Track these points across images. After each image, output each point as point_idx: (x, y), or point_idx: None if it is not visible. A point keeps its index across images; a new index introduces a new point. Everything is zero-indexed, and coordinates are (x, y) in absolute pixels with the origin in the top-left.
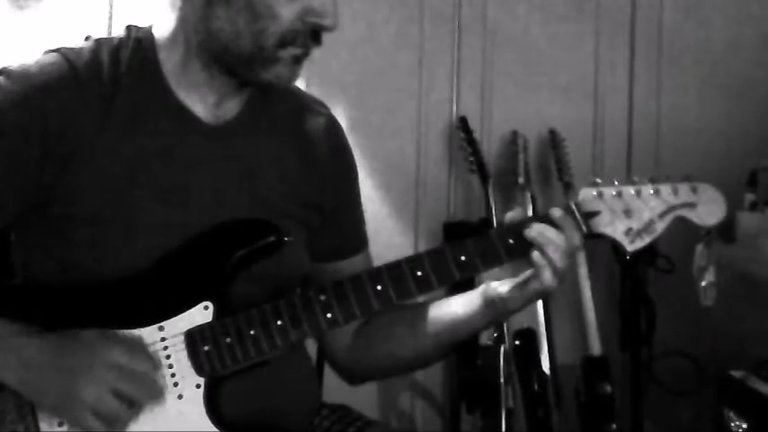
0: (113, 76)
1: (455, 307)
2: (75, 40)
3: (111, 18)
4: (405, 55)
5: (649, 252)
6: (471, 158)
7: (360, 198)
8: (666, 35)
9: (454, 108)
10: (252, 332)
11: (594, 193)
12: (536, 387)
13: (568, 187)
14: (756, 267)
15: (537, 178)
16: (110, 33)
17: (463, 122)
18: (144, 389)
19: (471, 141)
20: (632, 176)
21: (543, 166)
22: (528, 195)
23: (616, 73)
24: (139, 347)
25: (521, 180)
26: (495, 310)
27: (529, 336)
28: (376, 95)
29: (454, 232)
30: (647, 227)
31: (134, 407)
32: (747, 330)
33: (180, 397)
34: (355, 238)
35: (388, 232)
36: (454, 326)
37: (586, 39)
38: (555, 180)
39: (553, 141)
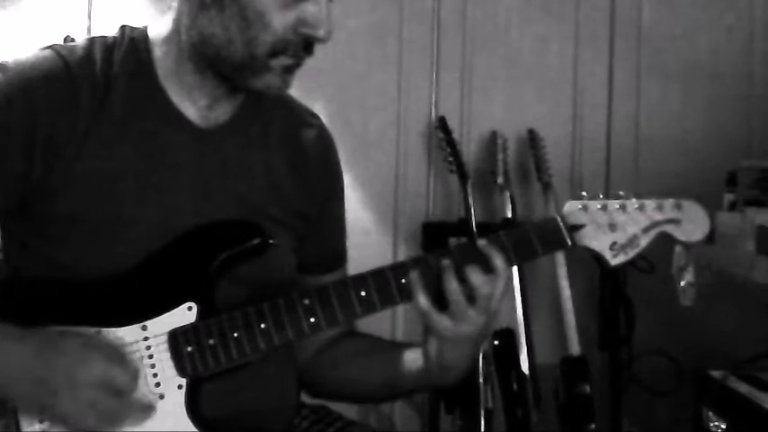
0: (106, 75)
1: (406, 359)
2: (55, 40)
3: (90, 17)
4: (384, 54)
5: None
6: (450, 158)
7: (343, 215)
8: (646, 34)
9: (433, 108)
10: (235, 334)
11: (579, 206)
12: (515, 387)
13: (547, 187)
14: (735, 267)
15: (516, 178)
16: (89, 32)
17: (442, 122)
18: (123, 405)
19: (450, 141)
20: (617, 191)
21: (522, 166)
22: (507, 195)
23: (595, 73)
24: (119, 357)
25: (500, 180)
26: (432, 370)
27: (508, 336)
28: (355, 95)
29: (433, 232)
30: (632, 241)
31: (114, 421)
32: (726, 330)
33: (162, 397)
34: (334, 255)
35: (367, 232)
36: (401, 377)
37: (566, 38)
38: (534, 180)
39: (532, 141)
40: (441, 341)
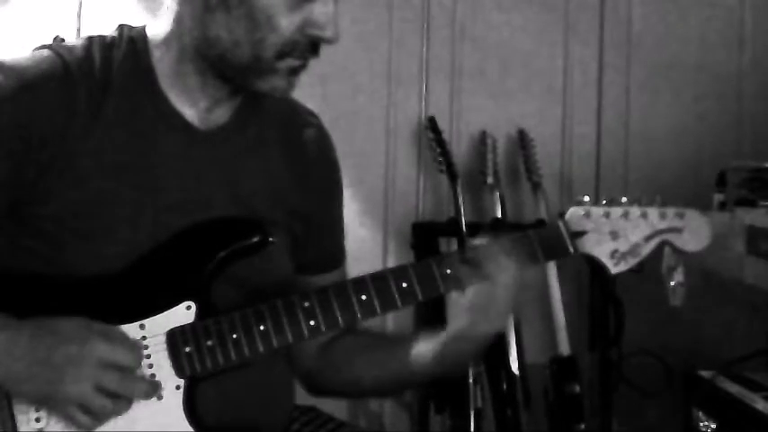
0: (105, 75)
1: (418, 350)
2: (45, 40)
3: (79, 17)
4: (374, 54)
5: None
6: (440, 158)
7: (342, 213)
8: (636, 34)
9: (423, 108)
10: (234, 335)
11: (582, 212)
12: (505, 387)
13: (537, 187)
14: (725, 267)
15: (506, 178)
16: (79, 33)
17: (432, 122)
18: (127, 383)
19: (440, 141)
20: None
21: (512, 166)
22: (497, 195)
23: (585, 73)
24: (121, 339)
25: (489, 180)
26: (447, 357)
27: (498, 335)
28: (344, 95)
29: (423, 232)
30: (633, 250)
31: (120, 401)
32: (716, 330)
33: (159, 398)
34: (334, 253)
35: (357, 232)
36: (412, 368)
37: (555, 39)
38: (524, 180)
39: (522, 141)
40: (473, 313)
